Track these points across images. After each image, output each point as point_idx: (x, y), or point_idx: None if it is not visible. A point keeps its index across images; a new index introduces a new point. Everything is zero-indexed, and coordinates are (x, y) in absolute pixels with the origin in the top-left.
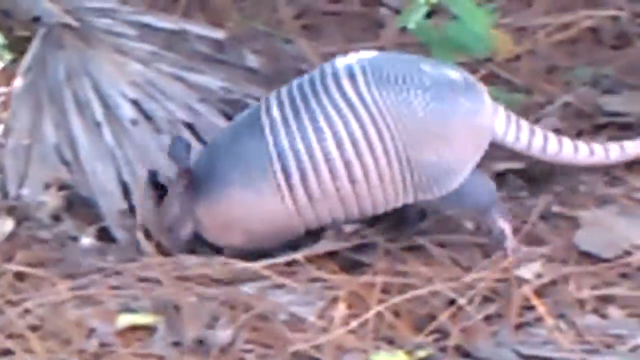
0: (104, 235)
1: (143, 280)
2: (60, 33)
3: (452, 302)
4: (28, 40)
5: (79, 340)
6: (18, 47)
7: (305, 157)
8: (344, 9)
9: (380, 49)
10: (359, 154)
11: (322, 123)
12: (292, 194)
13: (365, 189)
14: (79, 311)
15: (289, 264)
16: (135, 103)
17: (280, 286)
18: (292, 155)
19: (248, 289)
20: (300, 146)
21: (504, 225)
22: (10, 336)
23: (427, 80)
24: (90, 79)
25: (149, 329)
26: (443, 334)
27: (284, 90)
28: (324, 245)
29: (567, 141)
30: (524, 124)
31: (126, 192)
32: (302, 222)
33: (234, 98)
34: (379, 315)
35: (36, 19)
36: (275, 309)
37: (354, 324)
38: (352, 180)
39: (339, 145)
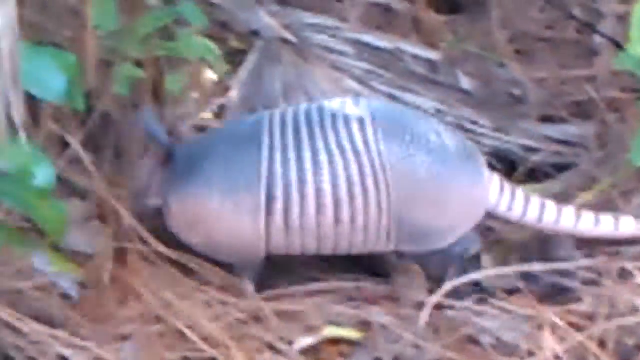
0: None
1: (352, 298)
2: (278, 47)
3: None
4: (243, 53)
5: (281, 350)
6: (233, 59)
7: (295, 187)
8: (558, 35)
9: (593, 77)
10: (351, 197)
11: (323, 158)
12: (268, 218)
13: (347, 231)
14: (284, 323)
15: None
16: None
17: (483, 312)
18: (283, 182)
19: (451, 312)
20: (293, 176)
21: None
22: (213, 345)
23: (434, 142)
24: (305, 94)
25: (353, 344)
26: None
27: (290, 112)
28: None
29: (568, 211)
30: (519, 193)
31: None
32: (267, 247)
33: (446, 120)
34: (585, 343)
35: (254, 33)
36: (480, 332)
37: (557, 349)
38: (338, 220)
39: (334, 183)
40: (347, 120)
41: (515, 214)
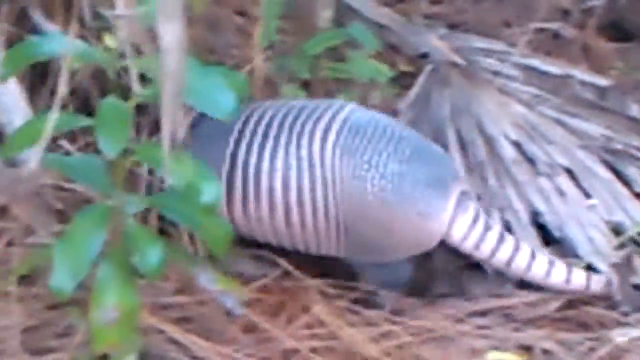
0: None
1: (511, 319)
2: (447, 71)
3: None
4: (410, 75)
5: None
6: (400, 82)
7: (251, 183)
8: None
9: None
10: (300, 203)
11: (279, 161)
12: (229, 205)
13: (299, 234)
14: (442, 350)
15: None
16: (516, 144)
17: None
18: (242, 174)
19: (617, 337)
20: (251, 171)
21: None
22: None
23: (392, 167)
24: (473, 118)
25: None
26: None
27: (270, 109)
28: None
29: (541, 260)
30: (492, 234)
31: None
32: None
33: (614, 147)
34: None
35: (424, 56)
36: None
37: None
38: (288, 222)
39: (285, 187)
40: (314, 128)
41: (484, 253)
